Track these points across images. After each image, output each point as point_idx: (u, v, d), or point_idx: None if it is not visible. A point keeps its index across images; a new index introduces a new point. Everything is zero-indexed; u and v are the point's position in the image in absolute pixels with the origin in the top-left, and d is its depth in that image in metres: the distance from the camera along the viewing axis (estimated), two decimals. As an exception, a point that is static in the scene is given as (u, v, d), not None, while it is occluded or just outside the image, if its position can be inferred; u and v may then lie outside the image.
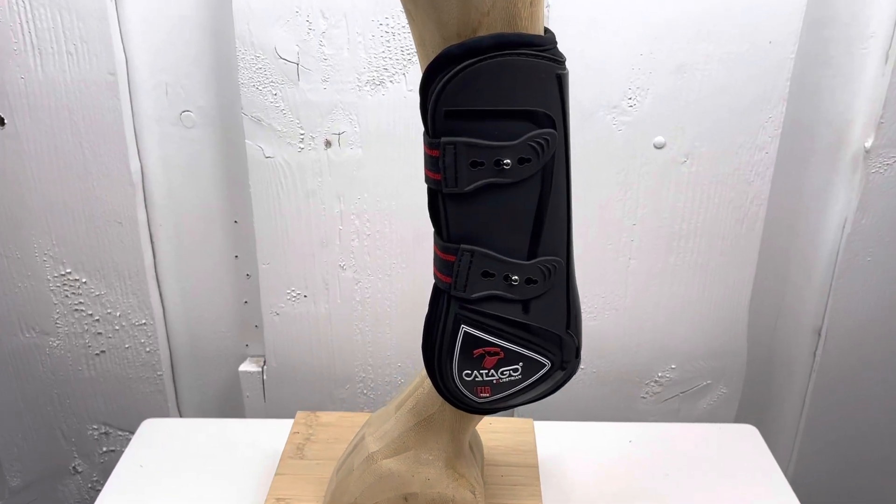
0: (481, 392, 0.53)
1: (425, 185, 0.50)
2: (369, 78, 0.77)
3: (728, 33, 0.75)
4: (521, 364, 0.52)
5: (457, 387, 0.53)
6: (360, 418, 0.76)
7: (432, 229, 0.51)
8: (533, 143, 0.47)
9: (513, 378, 0.53)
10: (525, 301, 0.51)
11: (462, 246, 0.49)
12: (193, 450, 0.77)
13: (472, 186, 0.47)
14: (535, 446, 0.73)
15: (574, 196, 0.81)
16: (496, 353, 0.52)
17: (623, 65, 0.77)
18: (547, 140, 0.47)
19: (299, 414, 0.77)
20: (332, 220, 0.83)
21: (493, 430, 0.74)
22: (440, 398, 0.56)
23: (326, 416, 0.77)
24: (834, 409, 0.93)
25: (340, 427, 0.75)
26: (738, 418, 0.93)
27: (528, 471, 0.70)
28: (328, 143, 0.80)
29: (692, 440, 0.79)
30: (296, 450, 0.72)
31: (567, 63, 0.48)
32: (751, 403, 0.96)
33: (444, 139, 0.46)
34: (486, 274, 0.50)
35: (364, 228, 0.83)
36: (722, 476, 0.74)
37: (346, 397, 0.92)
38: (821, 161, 0.84)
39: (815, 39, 0.79)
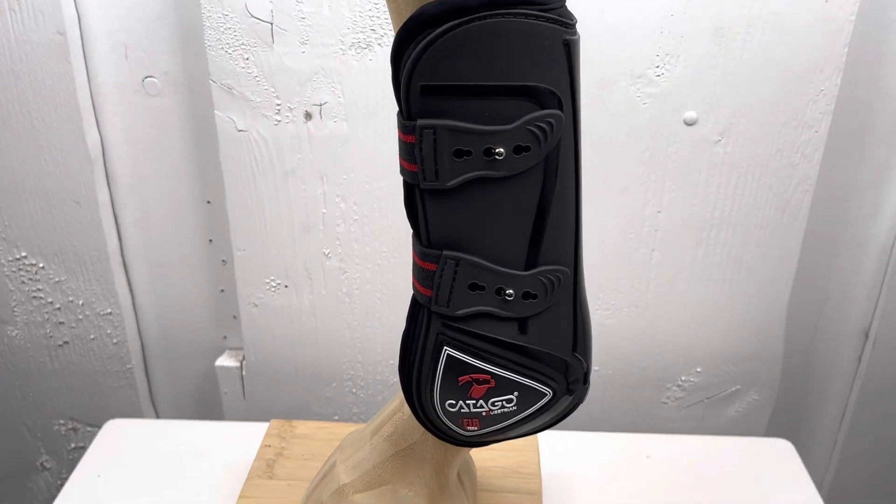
0: (468, 425, 0.44)
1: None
2: (354, 40, 0.67)
3: (777, -10, 0.64)
4: (515, 394, 0.43)
5: (439, 417, 0.44)
6: (340, 430, 0.68)
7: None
8: (533, 128, 0.37)
9: (506, 410, 0.44)
10: (522, 319, 0.42)
11: (445, 252, 0.40)
12: (158, 456, 0.70)
13: (456, 181, 0.38)
14: (539, 468, 0.64)
15: (591, 179, 0.72)
16: (486, 381, 0.43)
17: (650, 27, 0.66)
18: (551, 124, 0.37)
19: (273, 423, 0.69)
20: (314, 203, 0.74)
21: (489, 447, 0.65)
22: (421, 427, 0.47)
23: (303, 427, 0.68)
24: (878, 422, 0.83)
25: (317, 440, 0.67)
26: (770, 428, 0.84)
27: (529, 499, 0.61)
28: (308, 116, 0.70)
29: (718, 456, 0.72)
30: (265, 467, 0.63)
31: (582, 25, 0.38)
32: (784, 412, 0.86)
33: (420, 122, 0.37)
34: (474, 287, 0.41)
35: (350, 212, 0.74)
36: (751, 497, 0.66)
37: (333, 396, 0.84)
38: (878, 141, 0.74)
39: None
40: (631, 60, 0.67)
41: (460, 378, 0.43)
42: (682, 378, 0.81)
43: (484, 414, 0.44)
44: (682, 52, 0.67)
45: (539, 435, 0.74)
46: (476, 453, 0.64)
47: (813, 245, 0.78)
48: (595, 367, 0.81)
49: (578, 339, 0.44)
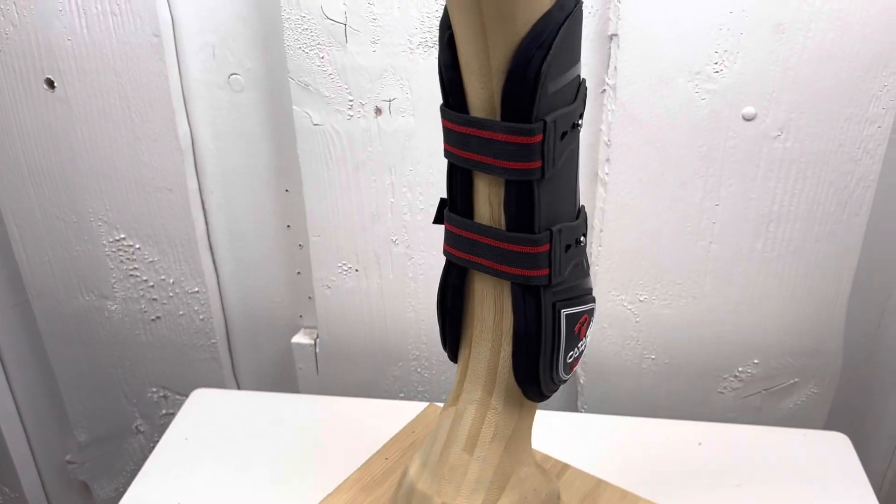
0: (574, 367, 0.50)
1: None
2: (421, 39, 0.71)
3: (839, -14, 0.64)
4: (593, 316, 0.50)
5: (560, 376, 0.48)
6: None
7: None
8: (584, 93, 0.44)
9: (591, 329, 0.51)
10: (587, 256, 0.49)
11: (553, 229, 0.44)
12: (239, 423, 0.76)
13: (561, 160, 0.43)
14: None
15: (649, 172, 0.74)
16: (586, 320, 0.49)
17: (709, 24, 0.67)
18: (587, 87, 0.44)
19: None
20: (383, 193, 0.78)
21: None
22: (517, 407, 0.50)
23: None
24: (944, 420, 0.82)
25: None
26: (830, 422, 0.84)
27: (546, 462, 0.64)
28: (378, 111, 0.74)
29: (770, 446, 0.72)
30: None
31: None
32: (845, 407, 0.86)
33: (548, 118, 0.40)
34: (567, 247, 0.45)
35: (416, 202, 0.78)
36: (802, 490, 0.66)
37: (399, 374, 0.89)
38: (946, 137, 0.72)
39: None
40: (690, 57, 0.69)
41: (574, 328, 0.47)
42: (739, 369, 0.82)
43: (583, 348, 0.50)
44: (742, 48, 0.68)
45: (593, 417, 0.77)
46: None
47: (875, 241, 0.77)
48: (651, 355, 0.83)
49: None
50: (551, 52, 0.39)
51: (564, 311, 0.46)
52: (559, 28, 0.39)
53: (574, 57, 0.42)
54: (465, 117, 0.42)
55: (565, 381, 0.49)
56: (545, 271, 0.44)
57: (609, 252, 0.78)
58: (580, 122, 0.43)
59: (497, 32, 0.39)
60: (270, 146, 0.82)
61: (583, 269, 0.48)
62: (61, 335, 0.93)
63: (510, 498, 0.51)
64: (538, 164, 0.41)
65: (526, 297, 0.45)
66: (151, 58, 0.75)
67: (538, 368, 0.47)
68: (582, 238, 0.47)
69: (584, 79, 0.44)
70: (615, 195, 0.75)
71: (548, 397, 0.50)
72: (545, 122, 0.40)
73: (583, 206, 0.48)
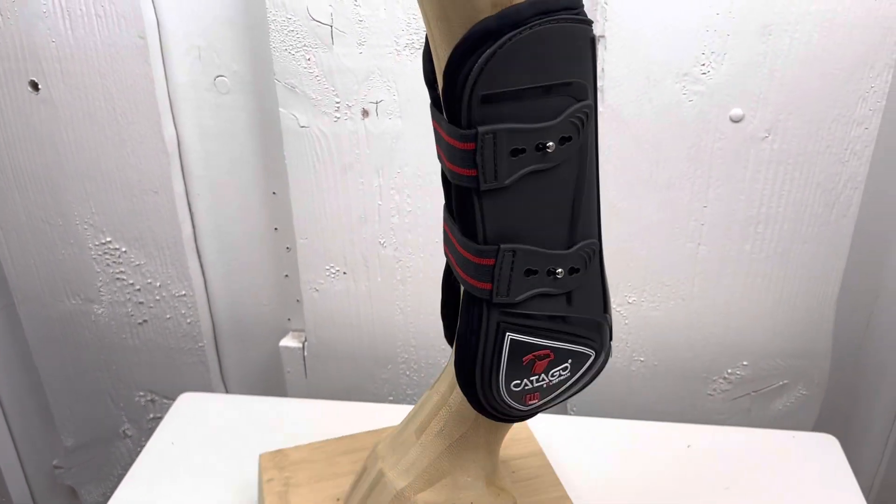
0: (530, 400, 0.48)
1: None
2: (408, 41, 0.70)
3: (825, -13, 0.64)
4: (569, 361, 0.47)
5: (503, 400, 0.47)
6: (334, 447, 0.66)
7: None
8: (574, 119, 0.41)
9: (562, 377, 0.48)
10: (569, 293, 0.46)
11: (502, 246, 0.43)
12: (227, 427, 0.75)
13: (513, 177, 0.41)
14: (529, 431, 0.67)
15: (638, 174, 0.74)
16: (546, 356, 0.46)
17: (696, 25, 0.67)
18: (587, 113, 0.41)
19: (262, 457, 0.65)
20: (370, 195, 0.78)
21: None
22: (472, 414, 0.50)
23: (296, 453, 0.66)
24: (932, 421, 0.82)
25: (317, 462, 0.64)
26: (819, 424, 0.84)
27: (536, 459, 0.63)
28: (365, 113, 0.74)
29: (759, 448, 0.72)
30: (279, 501, 0.60)
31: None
32: (834, 409, 0.86)
33: (481, 129, 0.40)
34: (528, 272, 0.44)
35: (404, 204, 0.78)
36: (791, 491, 0.66)
37: (388, 377, 0.88)
38: (933, 138, 0.72)
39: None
40: (677, 59, 0.69)
41: (524, 358, 0.45)
42: (728, 371, 0.82)
43: (544, 386, 0.47)
44: (729, 49, 0.68)
45: (581, 420, 0.77)
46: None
47: (863, 242, 0.77)
48: (640, 357, 0.83)
49: (607, 300, 0.48)
50: (484, 59, 0.38)
51: (510, 335, 0.45)
52: (500, 37, 0.38)
53: (543, 74, 0.39)
54: (432, 109, 0.44)
55: (523, 411, 0.48)
56: (487, 286, 0.43)
57: (597, 254, 0.78)
58: (551, 145, 0.40)
59: (437, 31, 0.40)
60: (257, 148, 0.81)
61: (551, 301, 0.45)
62: (47, 339, 0.92)
63: (436, 496, 0.51)
64: (472, 172, 0.41)
65: (470, 306, 0.45)
66: (137, 60, 0.74)
67: (473, 380, 0.46)
68: (560, 272, 0.44)
69: (588, 105, 0.41)
70: (603, 197, 0.75)
71: (500, 418, 0.48)
72: (477, 132, 0.39)
73: (593, 249, 0.45)
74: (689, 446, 0.72)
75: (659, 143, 0.72)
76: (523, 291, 0.44)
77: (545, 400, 0.48)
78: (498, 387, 0.46)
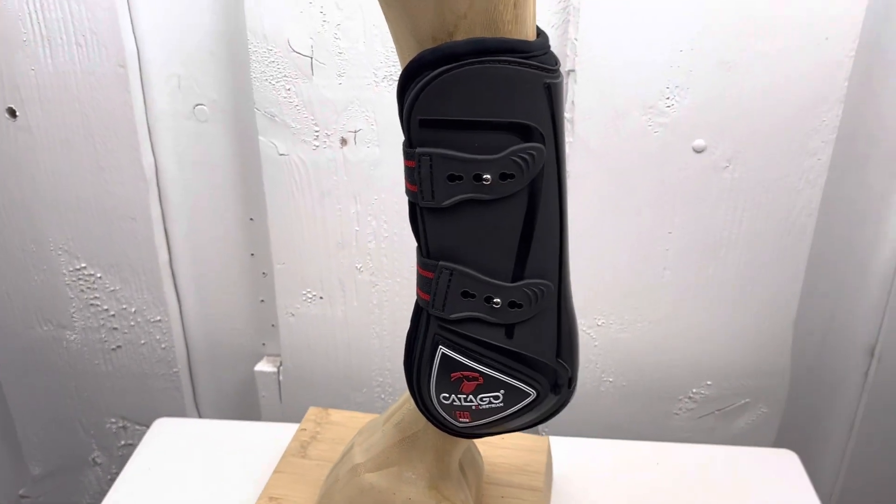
0: (461, 417, 0.50)
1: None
2: (386, 73, 0.73)
3: (780, 28, 0.68)
4: (502, 392, 0.48)
5: (436, 408, 0.50)
6: (373, 420, 0.73)
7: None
8: (517, 158, 0.42)
9: (493, 406, 0.49)
10: (508, 326, 0.47)
11: (441, 263, 0.45)
12: (201, 452, 0.76)
13: (449, 201, 0.43)
14: (545, 467, 0.69)
15: (606, 202, 0.77)
16: (475, 379, 0.48)
17: (661, 61, 0.71)
18: (532, 155, 0.43)
19: (311, 410, 0.74)
20: (348, 221, 0.79)
21: (502, 445, 0.70)
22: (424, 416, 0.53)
23: (338, 415, 0.74)
24: (887, 437, 0.86)
25: (349, 427, 0.72)
26: (779, 440, 0.87)
27: (532, 494, 0.65)
28: (344, 142, 0.76)
29: (724, 465, 0.74)
30: (300, 448, 0.69)
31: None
32: (793, 426, 0.89)
33: (419, 150, 0.42)
34: (465, 294, 0.46)
35: (381, 230, 0.79)
36: (754, 505, 0.68)
37: (363, 401, 0.89)
38: (879, 168, 0.77)
39: (877, 36, 0.71)
40: (643, 92, 0.72)
41: (452, 374, 0.47)
42: (693, 390, 0.85)
43: (473, 408, 0.49)
44: (691, 84, 0.71)
45: (553, 439, 0.79)
46: (490, 450, 0.68)
47: (818, 266, 0.81)
48: (609, 378, 0.85)
49: (563, 347, 0.48)
50: (420, 87, 0.40)
51: (443, 349, 0.47)
52: (434, 69, 0.40)
53: (482, 110, 0.41)
54: None
55: (457, 427, 0.49)
56: (426, 297, 0.46)
57: (568, 278, 0.80)
58: (488, 178, 0.42)
59: (398, 51, 0.43)
60: (235, 175, 0.83)
61: (488, 329, 0.46)
62: (16, 365, 0.92)
63: (381, 480, 0.55)
64: (414, 188, 0.44)
65: (417, 312, 0.48)
66: (116, 88, 0.75)
67: (412, 379, 0.49)
68: (498, 302, 0.45)
69: (536, 148, 0.42)
70: (573, 224, 0.77)
71: (439, 426, 0.50)
72: (415, 152, 0.42)
73: (542, 289, 0.46)
74: (657, 464, 0.74)
75: (626, 172, 0.75)
76: (459, 311, 0.46)
77: (480, 422, 0.49)
78: (429, 393, 0.49)
